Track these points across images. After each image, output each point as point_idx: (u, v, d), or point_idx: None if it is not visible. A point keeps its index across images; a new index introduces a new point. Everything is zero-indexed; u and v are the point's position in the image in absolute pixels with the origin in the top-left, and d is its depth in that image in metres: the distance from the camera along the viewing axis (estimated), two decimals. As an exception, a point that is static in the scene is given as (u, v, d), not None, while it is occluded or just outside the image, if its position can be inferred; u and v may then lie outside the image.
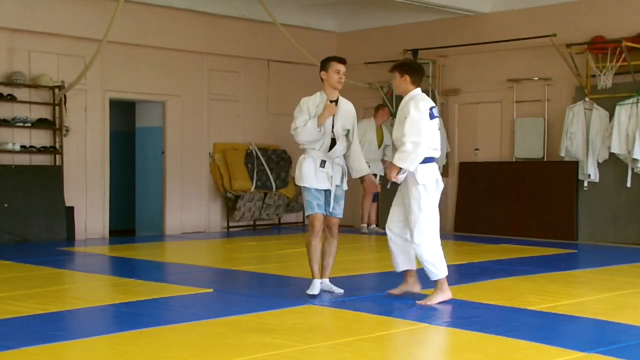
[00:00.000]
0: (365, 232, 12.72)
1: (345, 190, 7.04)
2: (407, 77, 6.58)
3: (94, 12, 11.57)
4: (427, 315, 6.00)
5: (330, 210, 6.91)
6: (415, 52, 13.00)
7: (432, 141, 6.40)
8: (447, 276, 6.49)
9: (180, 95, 12.73)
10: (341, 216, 7.02)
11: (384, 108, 12.89)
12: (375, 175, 12.94)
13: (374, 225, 12.88)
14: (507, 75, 12.58)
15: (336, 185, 6.89)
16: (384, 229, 6.85)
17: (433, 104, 6.50)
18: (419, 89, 6.62)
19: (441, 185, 6.53)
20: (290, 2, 13.33)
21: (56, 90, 11.48)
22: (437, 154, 6.52)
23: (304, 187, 6.87)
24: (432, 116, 6.42)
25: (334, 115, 6.81)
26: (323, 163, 6.84)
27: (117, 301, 6.50)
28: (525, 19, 12.43)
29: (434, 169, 6.48)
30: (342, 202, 6.98)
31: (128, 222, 13.11)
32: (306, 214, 6.98)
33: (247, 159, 13.34)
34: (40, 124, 11.43)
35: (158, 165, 12.80)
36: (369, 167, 12.74)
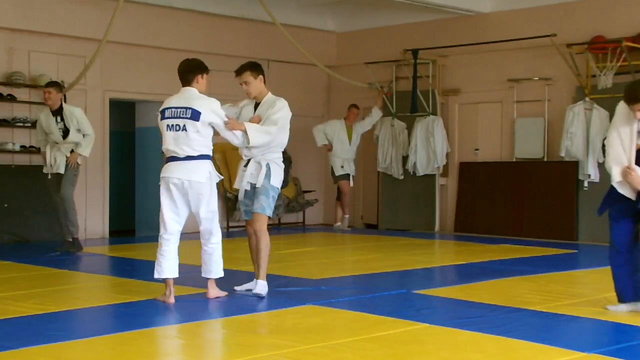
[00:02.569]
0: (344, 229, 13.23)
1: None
2: None
3: (94, 12, 11.56)
4: (427, 315, 5.99)
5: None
6: (415, 52, 13.00)
7: None
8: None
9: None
10: (261, 211, 6.87)
11: (355, 108, 13.19)
12: (348, 175, 13.13)
13: (339, 224, 13.40)
14: (507, 75, 12.58)
15: (249, 183, 6.88)
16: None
17: None
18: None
19: None
20: (290, 2, 13.33)
21: (56, 90, 11.47)
22: None
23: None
24: None
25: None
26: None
27: (117, 301, 6.50)
28: (525, 19, 12.42)
29: None
30: (263, 198, 6.84)
31: (128, 222, 13.09)
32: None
33: (247, 159, 13.33)
34: (40, 124, 11.42)
35: (158, 165, 12.71)
36: (342, 167, 13.14)
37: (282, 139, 6.91)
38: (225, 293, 6.79)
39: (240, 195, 7.00)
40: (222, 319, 5.90)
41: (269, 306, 6.31)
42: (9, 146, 11.10)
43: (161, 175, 6.57)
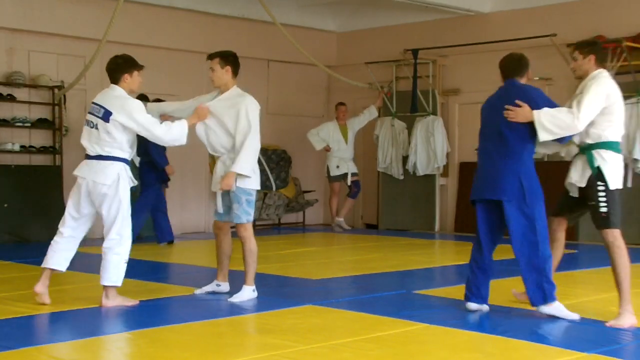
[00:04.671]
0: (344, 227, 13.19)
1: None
2: None
3: (94, 12, 11.56)
4: (427, 315, 5.99)
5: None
6: (415, 52, 13.00)
7: None
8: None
9: (180, 95, 12.67)
10: (238, 221, 6.63)
11: (342, 105, 13.20)
12: (345, 174, 13.10)
13: (342, 219, 13.32)
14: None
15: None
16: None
17: None
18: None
19: None
20: (290, 2, 13.33)
21: (56, 90, 11.48)
22: None
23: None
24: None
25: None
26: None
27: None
28: (525, 19, 12.42)
29: None
30: (236, 206, 6.59)
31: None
32: None
33: (247, 159, 13.32)
34: (39, 124, 11.43)
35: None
36: (338, 167, 13.11)
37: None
38: (133, 302, 6.40)
39: (218, 200, 6.74)
40: (222, 319, 5.90)
41: (269, 306, 6.31)
42: (9, 146, 11.10)
43: (74, 172, 6.42)
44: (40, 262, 8.80)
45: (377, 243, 11.82)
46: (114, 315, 6.11)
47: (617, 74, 11.25)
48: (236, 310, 6.22)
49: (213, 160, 13.04)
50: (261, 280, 7.80)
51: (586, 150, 6.04)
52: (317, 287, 7.37)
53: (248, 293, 6.67)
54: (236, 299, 6.60)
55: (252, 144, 6.53)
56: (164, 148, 10.32)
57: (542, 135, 5.93)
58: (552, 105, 6.05)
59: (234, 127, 6.58)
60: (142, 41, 12.17)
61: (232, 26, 13.26)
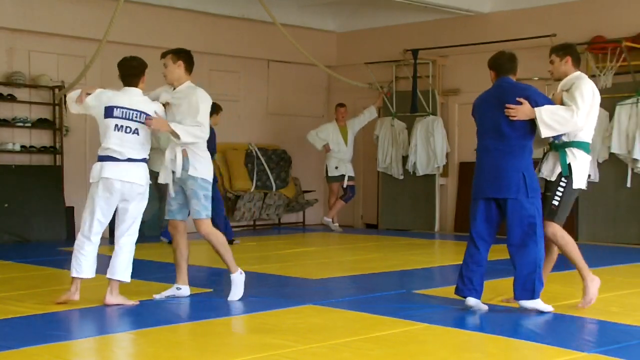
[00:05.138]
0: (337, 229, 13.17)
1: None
2: None
3: (94, 12, 11.56)
4: (427, 315, 6.00)
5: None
6: (415, 52, 13.00)
7: None
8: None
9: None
10: (197, 216, 6.50)
11: (341, 107, 13.14)
12: (343, 176, 13.09)
13: (330, 219, 13.27)
14: (507, 75, 12.55)
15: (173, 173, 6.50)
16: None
17: None
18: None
19: None
20: (290, 2, 13.33)
21: (56, 90, 11.48)
22: None
23: None
24: None
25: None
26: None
27: (117, 301, 6.49)
28: (525, 19, 12.42)
29: None
30: (195, 202, 6.48)
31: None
32: None
33: (247, 159, 13.34)
34: (40, 124, 11.43)
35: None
36: (337, 168, 13.09)
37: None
38: (133, 302, 6.39)
39: (171, 191, 6.63)
40: (222, 319, 5.90)
41: (269, 306, 6.31)
42: (9, 146, 11.11)
43: (101, 175, 6.32)
44: (40, 262, 8.84)
45: (377, 243, 11.82)
46: (115, 315, 6.11)
47: (616, 74, 11.28)
48: (236, 310, 6.22)
49: (214, 160, 13.11)
50: (261, 280, 7.82)
51: (560, 147, 6.22)
52: (317, 287, 7.37)
53: (238, 280, 6.59)
54: (234, 296, 6.54)
55: (194, 130, 6.37)
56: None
57: (545, 132, 6.01)
58: (549, 102, 6.11)
59: (185, 118, 6.46)
60: (142, 41, 12.17)
61: (232, 26, 13.27)
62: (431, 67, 13.17)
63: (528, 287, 5.98)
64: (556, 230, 6.21)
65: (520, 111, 5.99)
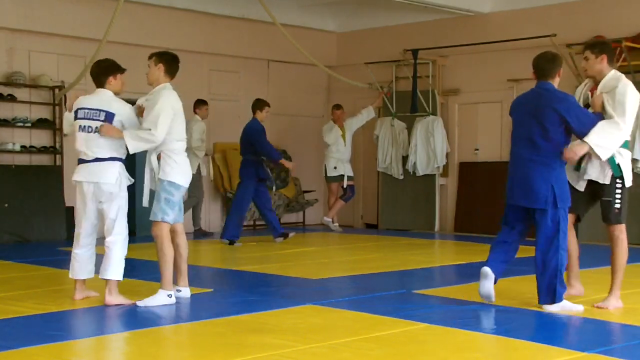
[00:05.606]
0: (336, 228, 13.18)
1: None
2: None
3: (94, 12, 11.56)
4: (427, 315, 6.00)
5: None
6: (415, 52, 13.00)
7: None
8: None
9: (180, 95, 12.70)
10: (152, 218, 6.47)
11: (337, 109, 13.12)
12: (342, 176, 13.09)
13: (330, 219, 13.30)
14: (507, 75, 12.57)
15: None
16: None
17: None
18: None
19: None
20: (290, 2, 13.33)
21: (56, 90, 11.48)
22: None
23: None
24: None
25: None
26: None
27: (117, 301, 6.49)
28: (525, 19, 12.42)
29: None
30: (155, 203, 6.46)
31: (128, 223, 13.05)
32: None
33: (247, 158, 13.30)
34: (40, 124, 11.43)
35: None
36: (335, 168, 13.08)
37: (176, 130, 6.47)
38: (131, 302, 6.37)
39: (145, 194, 6.69)
40: (222, 319, 5.90)
41: (269, 306, 6.31)
42: (9, 146, 11.11)
43: (73, 178, 6.45)
44: (40, 262, 8.85)
45: (377, 243, 11.82)
46: (114, 315, 6.11)
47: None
48: (236, 310, 6.22)
49: (214, 160, 13.12)
50: (261, 280, 7.82)
51: None
52: (317, 287, 7.37)
53: (161, 298, 6.38)
54: (144, 302, 6.33)
55: (144, 135, 6.33)
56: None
57: (605, 154, 6.08)
58: (583, 114, 6.15)
59: (145, 121, 6.43)
60: (142, 41, 12.17)
61: (232, 26, 13.27)
62: (431, 67, 13.17)
63: (549, 292, 6.12)
64: (622, 231, 6.26)
65: (573, 153, 6.06)
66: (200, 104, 12.27)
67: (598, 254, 10.13)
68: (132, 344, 5.16)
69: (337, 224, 13.28)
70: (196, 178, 11.86)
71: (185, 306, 6.47)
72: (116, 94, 6.61)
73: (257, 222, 13.68)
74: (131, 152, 6.46)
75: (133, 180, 6.68)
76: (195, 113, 12.13)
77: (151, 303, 6.33)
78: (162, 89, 6.58)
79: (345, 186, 13.12)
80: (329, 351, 4.90)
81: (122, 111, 6.46)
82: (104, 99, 6.49)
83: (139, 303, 6.33)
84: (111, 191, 6.40)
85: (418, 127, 13.09)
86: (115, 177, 6.41)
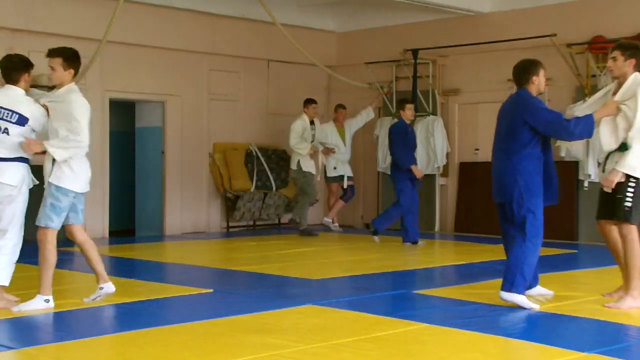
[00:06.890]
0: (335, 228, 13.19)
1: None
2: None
3: (94, 12, 11.55)
4: (427, 315, 6.00)
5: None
6: (415, 52, 13.00)
7: None
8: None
9: (180, 95, 12.72)
10: (37, 222, 6.14)
11: (341, 108, 13.11)
12: (341, 176, 13.07)
13: (330, 220, 13.30)
14: (507, 75, 12.48)
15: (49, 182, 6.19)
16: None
17: None
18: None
19: None
20: (290, 2, 13.33)
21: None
22: None
23: None
24: None
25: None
26: None
27: (117, 301, 6.49)
28: (525, 19, 12.42)
29: None
30: (41, 207, 6.16)
31: (128, 222, 13.10)
32: None
33: (247, 159, 13.33)
34: (40, 124, 11.41)
35: (158, 165, 12.79)
36: (335, 168, 13.07)
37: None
38: (16, 299, 6.21)
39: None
40: (222, 319, 5.90)
41: (269, 306, 6.31)
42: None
43: None
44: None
45: (377, 243, 11.81)
46: (114, 316, 6.11)
47: (617, 74, 11.25)
48: (236, 310, 6.21)
49: (214, 160, 13.12)
50: (261, 280, 7.82)
51: (622, 148, 6.28)
52: (317, 287, 7.37)
53: (37, 302, 6.12)
54: (19, 307, 6.09)
55: (68, 143, 6.11)
56: (410, 147, 10.85)
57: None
58: (550, 115, 6.32)
59: (62, 124, 6.19)
60: (142, 41, 12.17)
61: (232, 26, 13.26)
62: (431, 67, 13.17)
63: (508, 278, 6.22)
64: (631, 231, 6.24)
65: (610, 182, 6.23)
66: (307, 103, 12.44)
67: (598, 254, 10.14)
68: (132, 344, 5.15)
69: (337, 224, 13.28)
70: (310, 177, 12.21)
71: (185, 306, 6.47)
72: (25, 91, 6.37)
73: (257, 223, 13.69)
74: (58, 160, 6.09)
75: (37, 182, 6.37)
76: (304, 112, 12.38)
77: (26, 308, 6.06)
78: (70, 91, 6.37)
79: (345, 186, 13.11)
80: (329, 351, 4.90)
81: (35, 116, 6.22)
82: (17, 98, 6.25)
83: (14, 309, 6.04)
84: (11, 193, 6.13)
85: (418, 127, 13.06)
86: (18, 180, 6.15)
